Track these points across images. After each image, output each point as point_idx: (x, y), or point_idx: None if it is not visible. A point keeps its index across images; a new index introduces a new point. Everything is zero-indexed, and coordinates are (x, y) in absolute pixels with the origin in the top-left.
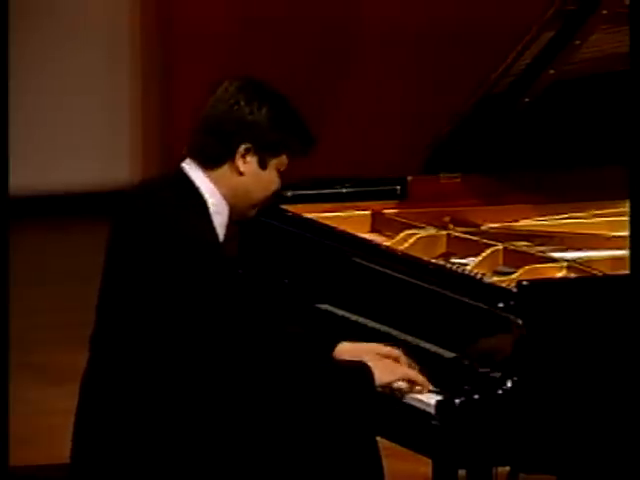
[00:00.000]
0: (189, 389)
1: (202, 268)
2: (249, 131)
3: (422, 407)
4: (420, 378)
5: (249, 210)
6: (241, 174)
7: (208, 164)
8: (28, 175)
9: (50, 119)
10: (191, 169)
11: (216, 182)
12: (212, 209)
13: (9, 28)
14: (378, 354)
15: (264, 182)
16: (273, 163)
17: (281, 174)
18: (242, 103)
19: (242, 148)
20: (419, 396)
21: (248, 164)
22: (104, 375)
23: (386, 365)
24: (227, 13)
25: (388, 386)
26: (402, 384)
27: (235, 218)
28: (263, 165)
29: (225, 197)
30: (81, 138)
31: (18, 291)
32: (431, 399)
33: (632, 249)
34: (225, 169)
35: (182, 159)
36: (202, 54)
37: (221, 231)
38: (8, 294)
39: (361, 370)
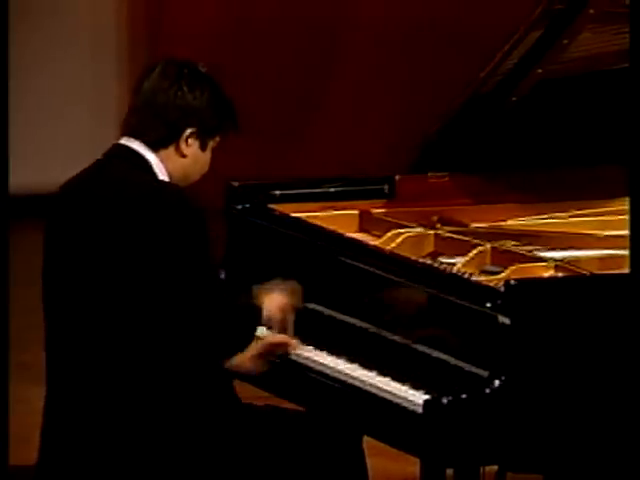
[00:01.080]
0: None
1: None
2: (194, 116)
3: (410, 406)
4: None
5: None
6: (183, 156)
7: (152, 145)
8: (25, 175)
9: (49, 119)
10: (134, 145)
11: (161, 159)
12: (158, 176)
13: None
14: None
15: (202, 163)
16: (211, 144)
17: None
18: (185, 89)
19: (187, 132)
20: (406, 395)
21: (190, 147)
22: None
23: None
24: (215, 14)
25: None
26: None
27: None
28: (203, 147)
29: (168, 174)
30: (80, 138)
31: (14, 290)
32: (419, 398)
33: (632, 249)
34: (169, 151)
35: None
36: (190, 54)
37: None
38: (8, 294)
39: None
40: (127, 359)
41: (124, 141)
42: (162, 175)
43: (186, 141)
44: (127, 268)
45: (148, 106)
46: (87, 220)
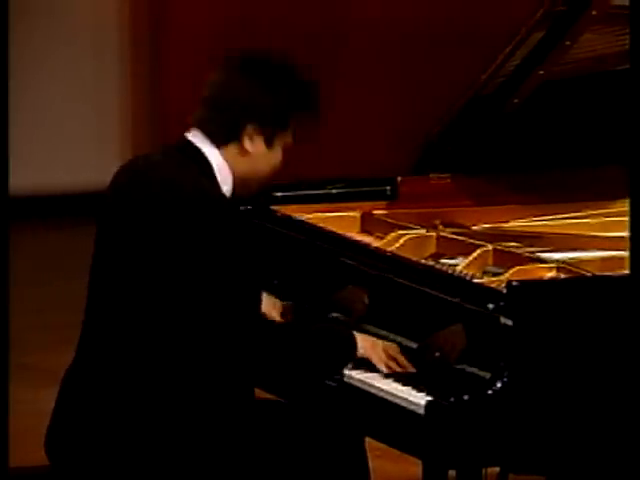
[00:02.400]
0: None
1: (215, 228)
2: (257, 112)
3: (412, 408)
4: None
5: (255, 188)
6: (246, 154)
7: (215, 140)
8: (26, 176)
9: (50, 120)
10: (199, 140)
11: (224, 157)
12: (219, 178)
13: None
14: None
15: (270, 161)
16: (279, 141)
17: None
18: (251, 82)
19: (249, 129)
20: (408, 396)
21: (255, 144)
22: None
23: (372, 344)
24: (217, 13)
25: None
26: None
27: (238, 193)
28: (269, 144)
29: (232, 172)
30: (81, 139)
31: (14, 291)
32: (421, 399)
33: (632, 249)
34: (231, 148)
35: (184, 132)
36: (192, 54)
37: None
38: (8, 295)
39: (347, 335)
40: (159, 361)
41: (191, 136)
42: (223, 175)
43: (250, 138)
44: (162, 272)
45: (212, 99)
46: (133, 219)
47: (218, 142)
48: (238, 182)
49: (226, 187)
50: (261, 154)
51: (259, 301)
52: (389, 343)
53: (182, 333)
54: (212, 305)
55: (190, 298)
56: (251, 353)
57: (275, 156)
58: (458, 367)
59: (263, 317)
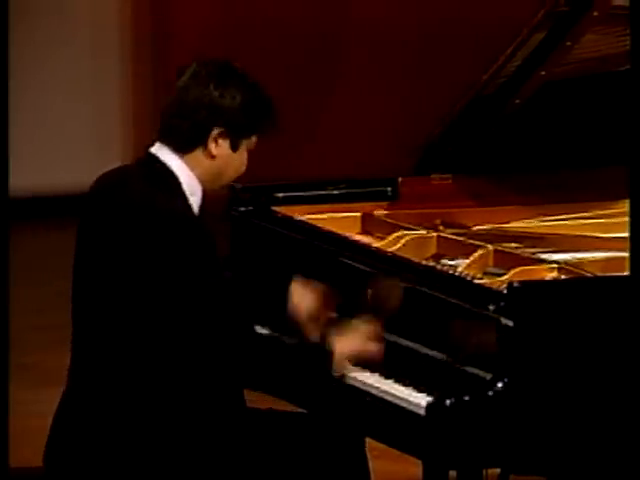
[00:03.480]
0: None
1: (183, 244)
2: (222, 116)
3: (412, 408)
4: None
5: (220, 190)
6: (213, 157)
7: (180, 147)
8: (26, 176)
9: (49, 120)
10: (162, 153)
11: (189, 165)
12: (187, 191)
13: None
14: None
15: (235, 164)
16: (244, 144)
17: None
18: (212, 87)
19: (215, 132)
20: (408, 397)
21: (220, 147)
22: (90, 371)
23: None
24: (219, 13)
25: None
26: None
27: (207, 195)
28: (234, 147)
29: (198, 178)
30: (82, 140)
31: (14, 292)
32: (421, 400)
33: (632, 249)
34: (198, 152)
35: (149, 145)
36: (194, 53)
37: (196, 211)
38: (8, 296)
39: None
40: (139, 361)
41: (155, 149)
42: (189, 185)
43: (215, 141)
44: (133, 281)
45: (176, 106)
46: (102, 231)
47: (183, 149)
48: (204, 187)
49: (195, 197)
50: (226, 157)
51: (227, 308)
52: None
53: (156, 339)
54: (178, 313)
55: (157, 308)
56: (226, 357)
57: (240, 158)
58: (459, 368)
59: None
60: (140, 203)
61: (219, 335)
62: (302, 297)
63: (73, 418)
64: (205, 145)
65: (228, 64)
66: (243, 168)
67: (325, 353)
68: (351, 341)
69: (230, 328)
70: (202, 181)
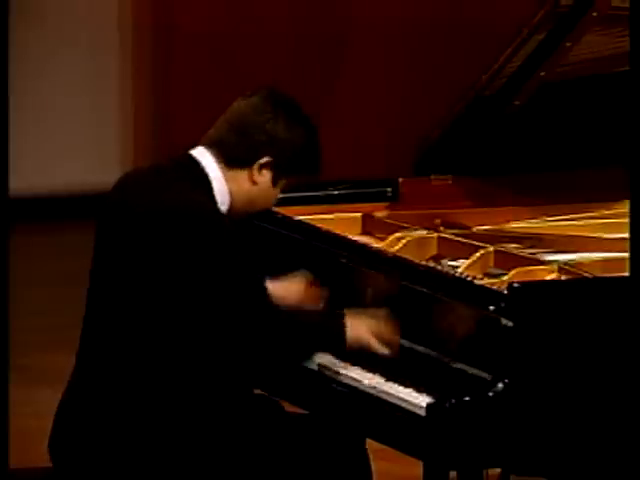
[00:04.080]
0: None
1: (214, 242)
2: (277, 147)
3: (413, 409)
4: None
5: (243, 216)
6: (254, 183)
7: (226, 161)
8: (26, 177)
9: (49, 121)
10: (204, 158)
11: (228, 179)
12: (217, 197)
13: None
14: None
15: (269, 197)
16: (282, 183)
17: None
18: (280, 119)
19: (264, 160)
20: (409, 398)
21: (263, 177)
22: (102, 370)
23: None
24: (221, 13)
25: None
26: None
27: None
28: (275, 182)
29: (230, 197)
30: (82, 140)
31: (14, 292)
32: (422, 401)
33: (632, 250)
34: (241, 173)
35: (191, 147)
36: (195, 53)
37: None
38: (8, 296)
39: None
40: (153, 361)
41: (195, 152)
42: (221, 194)
43: (260, 169)
44: (156, 281)
45: (237, 123)
46: (129, 230)
47: (229, 163)
48: (233, 206)
49: (223, 207)
50: (264, 188)
51: (256, 306)
52: (379, 316)
53: (177, 340)
54: (205, 314)
55: (182, 309)
56: (248, 357)
57: (274, 194)
58: (459, 368)
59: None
60: (172, 200)
61: (248, 340)
62: (286, 291)
63: (80, 414)
64: (251, 169)
65: (297, 103)
66: (271, 204)
67: (339, 326)
68: (368, 322)
69: (259, 333)
70: (233, 200)
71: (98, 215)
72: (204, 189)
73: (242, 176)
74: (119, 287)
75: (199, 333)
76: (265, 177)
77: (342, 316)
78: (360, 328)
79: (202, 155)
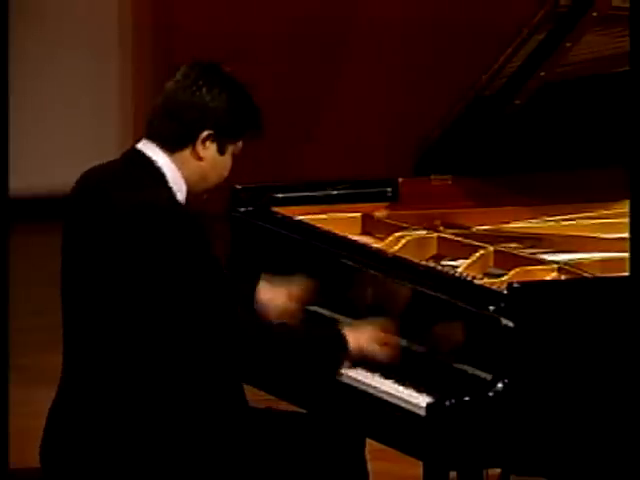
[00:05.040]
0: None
1: (174, 236)
2: (211, 118)
3: (412, 409)
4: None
5: (202, 194)
6: (200, 159)
7: (169, 146)
8: (26, 177)
9: (49, 121)
10: (149, 149)
11: (176, 163)
12: (173, 187)
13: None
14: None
15: (220, 168)
16: (230, 149)
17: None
18: (204, 90)
19: (204, 134)
20: (409, 398)
21: (207, 150)
22: (86, 370)
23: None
24: (219, 13)
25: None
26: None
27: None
28: (222, 151)
29: (184, 178)
30: (82, 140)
31: (14, 293)
32: (422, 401)
33: (632, 250)
34: (185, 153)
35: (136, 142)
36: (196, 54)
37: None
38: (8, 296)
39: (336, 335)
40: (135, 361)
41: (141, 145)
42: (175, 182)
43: (203, 143)
44: (124, 277)
45: (167, 106)
46: (91, 228)
47: (171, 148)
48: (189, 188)
49: (180, 194)
50: (213, 160)
51: (226, 301)
52: (377, 324)
53: (152, 337)
54: (175, 309)
55: (150, 305)
56: (228, 352)
57: (225, 162)
58: (459, 368)
59: (259, 311)
60: (127, 197)
61: (216, 329)
62: (270, 295)
63: (69, 417)
64: (194, 146)
65: (218, 67)
66: (226, 173)
67: (340, 339)
68: (367, 333)
69: (228, 321)
70: (187, 182)
71: (64, 216)
72: (158, 181)
73: (187, 156)
74: (89, 287)
75: (170, 328)
76: (210, 149)
77: (339, 330)
78: (361, 337)
79: (148, 147)
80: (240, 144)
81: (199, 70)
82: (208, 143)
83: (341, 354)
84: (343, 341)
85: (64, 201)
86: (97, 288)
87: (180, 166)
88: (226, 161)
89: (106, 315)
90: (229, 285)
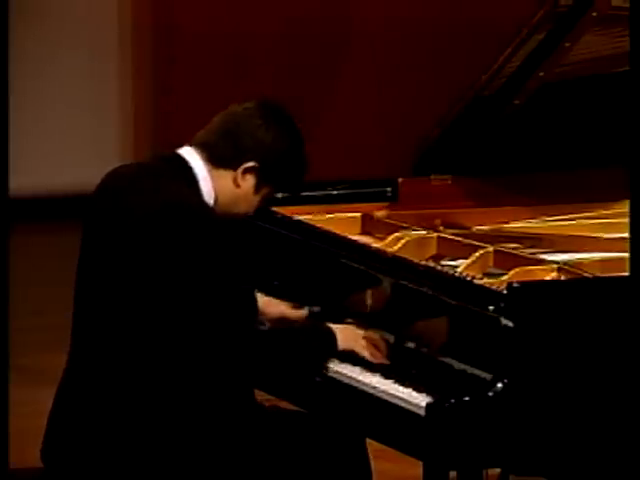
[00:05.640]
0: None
1: (200, 235)
2: (263, 154)
3: (412, 409)
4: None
5: (224, 217)
6: (237, 186)
7: (212, 160)
8: (26, 177)
9: (49, 121)
10: (191, 156)
11: (213, 178)
12: (204, 196)
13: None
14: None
15: (249, 203)
16: (264, 191)
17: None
18: (271, 128)
19: (249, 164)
20: (409, 398)
21: (246, 181)
22: (94, 370)
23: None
24: (219, 14)
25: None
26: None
27: None
28: (257, 189)
29: (215, 194)
30: (82, 140)
31: (14, 293)
32: (421, 401)
33: (632, 250)
34: (225, 173)
35: (176, 147)
36: (196, 55)
37: None
38: (8, 296)
39: (327, 332)
40: (140, 359)
41: (183, 151)
42: (207, 190)
43: (244, 173)
44: (145, 279)
45: (228, 126)
46: (117, 226)
47: (214, 162)
48: (216, 207)
49: (210, 201)
50: (246, 193)
51: (246, 305)
52: (370, 332)
53: (166, 339)
54: (194, 309)
55: (172, 305)
56: (239, 355)
57: (255, 200)
58: (459, 368)
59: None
60: (157, 195)
61: (233, 335)
62: (266, 304)
63: (72, 416)
64: (235, 171)
65: (290, 116)
66: (252, 211)
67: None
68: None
69: (244, 328)
70: (217, 199)
71: (84, 215)
72: (192, 187)
73: (227, 177)
74: (106, 284)
75: (188, 331)
76: (248, 182)
77: (329, 328)
78: (349, 335)
79: (190, 154)
80: (273, 192)
81: (272, 109)
82: (248, 175)
83: (331, 346)
84: (332, 335)
85: (87, 199)
86: (115, 285)
87: (216, 181)
88: (257, 200)
89: (118, 312)
90: (244, 293)
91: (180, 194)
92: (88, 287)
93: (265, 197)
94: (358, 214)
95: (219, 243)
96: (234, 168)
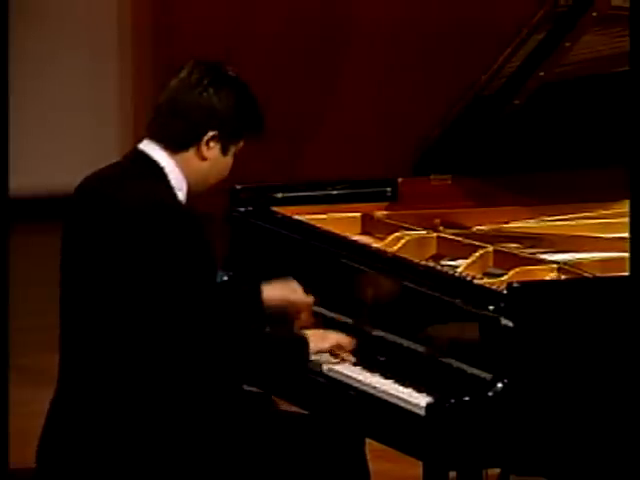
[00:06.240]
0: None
1: (177, 235)
2: (217, 119)
3: (412, 409)
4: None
5: (202, 192)
6: (204, 159)
7: (172, 146)
8: (26, 177)
9: (49, 121)
10: (152, 149)
11: (179, 164)
12: (175, 187)
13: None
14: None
15: (221, 168)
16: (233, 149)
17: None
18: (211, 90)
19: (209, 135)
20: (409, 398)
21: (212, 150)
22: (83, 371)
23: (319, 334)
24: (219, 14)
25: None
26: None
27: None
28: (225, 151)
29: (185, 178)
30: (82, 140)
31: (14, 293)
32: (421, 401)
33: (632, 250)
34: (189, 153)
35: (137, 142)
36: (197, 54)
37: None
38: (8, 296)
39: (298, 339)
40: (131, 359)
41: (143, 146)
42: (177, 181)
43: (207, 144)
44: (125, 276)
45: (172, 105)
46: (93, 229)
47: (175, 148)
48: (189, 187)
49: (181, 193)
50: (215, 160)
51: (217, 304)
52: (343, 335)
53: (146, 336)
54: (171, 308)
55: (150, 303)
56: (217, 351)
57: (227, 162)
58: (459, 368)
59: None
60: (129, 196)
61: (213, 331)
62: (270, 294)
63: (67, 418)
64: (198, 146)
65: (222, 67)
66: (226, 173)
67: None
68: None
69: (224, 325)
70: (188, 181)
71: (64, 218)
72: (161, 181)
73: (192, 157)
74: (88, 285)
75: (163, 325)
76: (214, 150)
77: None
78: (317, 337)
79: (150, 148)
80: (241, 144)
81: (204, 70)
82: (212, 144)
83: (304, 354)
84: (305, 345)
85: (65, 203)
86: (95, 286)
87: (182, 166)
88: (228, 161)
89: (103, 313)
90: (218, 289)
91: (150, 193)
92: (72, 289)
93: (236, 152)
94: (358, 214)
95: (192, 239)
96: (195, 144)
